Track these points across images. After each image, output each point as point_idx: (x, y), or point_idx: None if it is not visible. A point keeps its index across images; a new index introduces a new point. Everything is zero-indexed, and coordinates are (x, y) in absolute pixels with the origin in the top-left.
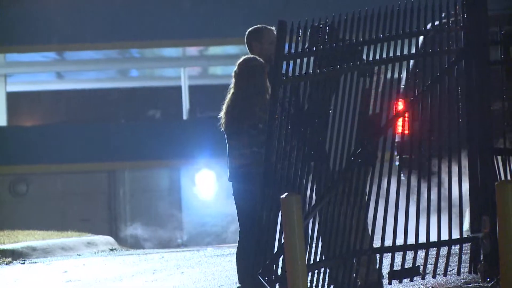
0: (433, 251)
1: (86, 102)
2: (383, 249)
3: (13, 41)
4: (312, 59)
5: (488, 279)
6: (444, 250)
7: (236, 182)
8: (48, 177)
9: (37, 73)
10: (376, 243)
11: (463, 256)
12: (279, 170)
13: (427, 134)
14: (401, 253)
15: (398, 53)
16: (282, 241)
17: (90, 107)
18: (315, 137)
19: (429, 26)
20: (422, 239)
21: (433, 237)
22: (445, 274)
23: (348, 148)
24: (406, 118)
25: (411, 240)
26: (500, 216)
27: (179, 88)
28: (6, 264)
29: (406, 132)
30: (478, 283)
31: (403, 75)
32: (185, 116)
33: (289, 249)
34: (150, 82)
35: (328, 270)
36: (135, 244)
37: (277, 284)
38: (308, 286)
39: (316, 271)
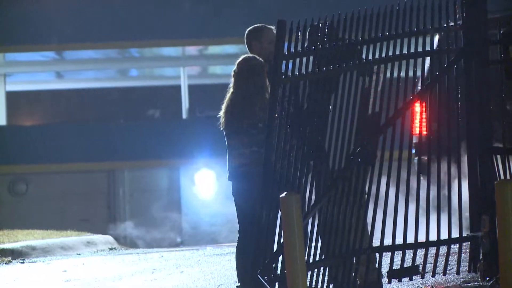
0: (432, 250)
1: (85, 101)
2: (382, 248)
3: (13, 41)
4: (311, 58)
5: (488, 278)
6: (443, 249)
7: (235, 182)
8: (48, 177)
9: (36, 73)
10: (376, 242)
11: (463, 255)
12: (278, 170)
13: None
14: (401, 252)
15: (398, 52)
16: (282, 240)
17: (89, 106)
18: (315, 137)
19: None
20: (422, 238)
21: (433, 236)
22: (444, 273)
23: (347, 147)
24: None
25: (410, 239)
26: (500, 215)
27: (178, 88)
28: (6, 263)
29: (424, 133)
30: (478, 282)
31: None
32: (184, 116)
33: (288, 248)
34: (149, 81)
35: (327, 269)
36: (134, 243)
37: (276, 283)
38: (308, 285)
39: (316, 270)
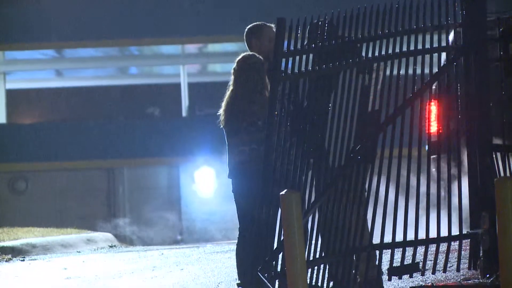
0: (432, 248)
1: (85, 99)
2: (382, 246)
3: (13, 39)
4: (311, 56)
5: (488, 275)
6: (443, 247)
7: (235, 179)
8: (48, 175)
9: (36, 71)
10: (376, 240)
11: (463, 252)
12: (278, 167)
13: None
14: (401, 249)
15: (398, 50)
16: (282, 237)
17: (89, 104)
18: (315, 134)
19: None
20: (422, 235)
21: (433, 234)
22: (444, 270)
23: (347, 145)
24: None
25: (410, 236)
26: (499, 212)
27: (178, 86)
28: (6, 261)
29: (440, 131)
30: (478, 279)
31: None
32: (184, 114)
33: (288, 246)
34: (149, 79)
35: (327, 267)
36: (134, 241)
37: (276, 281)
38: (308, 282)
39: (316, 267)
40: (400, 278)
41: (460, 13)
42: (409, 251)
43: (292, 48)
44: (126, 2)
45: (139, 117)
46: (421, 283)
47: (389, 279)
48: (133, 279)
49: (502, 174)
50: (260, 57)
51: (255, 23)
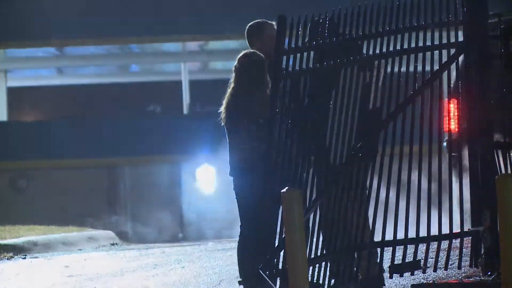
0: (434, 245)
1: (86, 97)
2: (384, 243)
3: (14, 37)
4: (312, 53)
5: (489, 273)
6: (445, 244)
7: (236, 177)
8: (49, 172)
9: (37, 69)
10: (377, 237)
11: (464, 250)
12: (279, 165)
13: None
14: (402, 247)
15: (399, 47)
16: (283, 235)
17: (90, 102)
18: (316, 132)
19: None
20: (423, 233)
21: (434, 231)
22: (446, 268)
23: (348, 142)
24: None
25: (412, 234)
26: (501, 210)
27: (179, 83)
28: (8, 259)
29: (456, 129)
30: (479, 277)
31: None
32: (185, 111)
33: (290, 244)
34: (150, 77)
35: (329, 264)
36: (136, 238)
37: (278, 278)
38: (309, 280)
39: (317, 265)
40: (401, 275)
41: (461, 11)
42: (411, 248)
43: (293, 45)
44: (127, 0)
45: (140, 115)
46: (422, 280)
47: (391, 277)
48: (135, 277)
49: (503, 171)
50: (261, 54)
51: (256, 21)
